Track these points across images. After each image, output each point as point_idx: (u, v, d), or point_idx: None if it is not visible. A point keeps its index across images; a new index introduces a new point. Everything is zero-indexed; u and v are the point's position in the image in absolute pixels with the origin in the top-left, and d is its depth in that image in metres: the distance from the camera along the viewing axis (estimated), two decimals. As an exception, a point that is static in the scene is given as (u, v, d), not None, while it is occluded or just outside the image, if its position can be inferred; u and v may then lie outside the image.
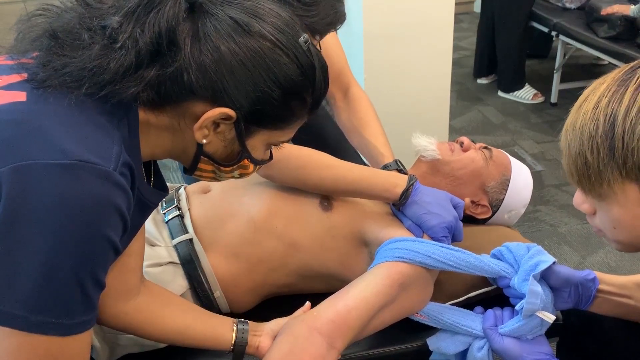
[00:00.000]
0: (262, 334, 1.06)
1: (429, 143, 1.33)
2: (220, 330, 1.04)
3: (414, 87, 2.37)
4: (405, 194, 1.21)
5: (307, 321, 1.01)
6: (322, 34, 1.18)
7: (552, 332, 1.19)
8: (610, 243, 0.85)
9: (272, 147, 0.88)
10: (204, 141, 0.78)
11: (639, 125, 0.71)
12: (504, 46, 3.62)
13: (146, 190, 0.81)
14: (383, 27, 2.21)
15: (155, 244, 1.18)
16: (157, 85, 0.73)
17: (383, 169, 1.34)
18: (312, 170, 1.22)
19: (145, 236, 1.17)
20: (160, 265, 1.15)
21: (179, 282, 1.15)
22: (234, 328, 1.04)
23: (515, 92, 3.67)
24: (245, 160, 0.83)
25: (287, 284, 1.24)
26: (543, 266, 1.06)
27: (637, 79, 0.73)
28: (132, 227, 0.83)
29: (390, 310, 1.09)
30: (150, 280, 1.10)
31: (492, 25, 3.68)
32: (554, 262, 1.07)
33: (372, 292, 1.05)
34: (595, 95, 0.76)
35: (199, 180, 1.36)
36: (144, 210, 0.84)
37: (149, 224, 1.21)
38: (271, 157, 0.90)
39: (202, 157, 0.81)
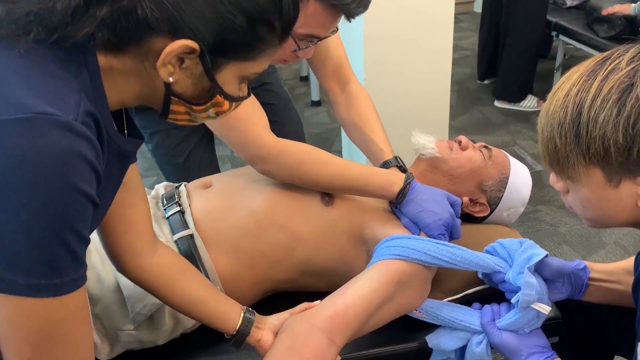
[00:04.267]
0: (264, 327, 1.07)
1: (428, 141, 1.33)
2: (230, 313, 1.06)
3: (414, 87, 2.36)
4: (402, 192, 1.22)
5: (307, 318, 1.03)
6: (355, 16, 1.15)
7: (552, 330, 1.20)
8: (582, 219, 0.92)
9: (247, 81, 0.83)
10: (171, 80, 0.73)
11: (601, 114, 0.77)
12: (514, 52, 3.44)
13: (120, 139, 0.78)
14: (383, 27, 2.21)
15: (156, 240, 1.19)
16: (112, 24, 0.69)
17: (383, 166, 1.34)
18: (310, 167, 1.22)
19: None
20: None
21: (178, 278, 1.16)
22: (241, 315, 1.06)
23: (521, 103, 3.55)
24: (218, 97, 0.78)
25: (288, 280, 1.25)
26: (536, 259, 1.08)
27: (605, 70, 0.78)
28: (114, 179, 0.81)
29: (389, 308, 1.10)
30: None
31: (497, 27, 3.55)
32: (546, 255, 1.10)
33: (370, 290, 1.06)
34: (568, 83, 0.82)
35: (197, 178, 1.37)
36: (122, 160, 0.82)
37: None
38: (249, 93, 0.85)
39: (172, 97, 0.77)
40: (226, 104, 0.81)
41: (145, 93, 0.77)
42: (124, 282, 1.10)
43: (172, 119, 0.81)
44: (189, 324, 1.18)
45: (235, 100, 0.81)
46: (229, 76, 0.77)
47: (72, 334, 0.70)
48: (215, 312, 1.05)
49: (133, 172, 0.95)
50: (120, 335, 1.11)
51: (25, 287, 0.64)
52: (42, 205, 0.62)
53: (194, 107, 0.79)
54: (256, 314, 1.09)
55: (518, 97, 3.56)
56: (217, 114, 0.82)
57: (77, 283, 0.69)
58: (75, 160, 0.64)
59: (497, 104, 3.62)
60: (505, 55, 3.51)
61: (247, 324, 1.05)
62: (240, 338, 1.05)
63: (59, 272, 0.66)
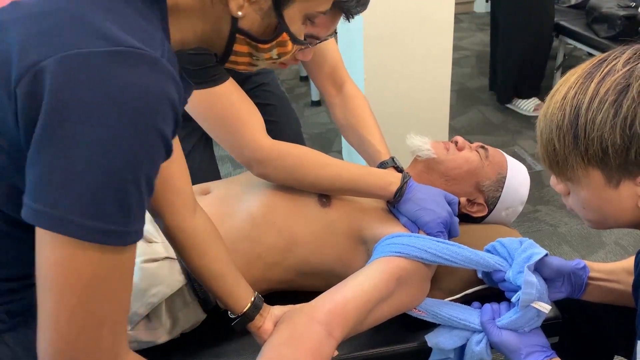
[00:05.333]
0: (266, 316, 1.08)
1: (423, 143, 1.34)
2: (242, 295, 1.07)
3: (414, 87, 2.36)
4: (400, 191, 1.22)
5: (306, 311, 1.04)
6: (354, 15, 1.15)
7: (552, 330, 1.20)
8: (583, 221, 0.93)
9: (309, 21, 0.82)
10: (240, 14, 0.72)
11: (599, 116, 0.77)
12: (525, 52, 3.30)
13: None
14: (383, 27, 2.21)
15: (152, 241, 1.18)
16: None
17: (380, 166, 1.35)
18: (309, 169, 1.22)
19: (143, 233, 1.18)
20: (156, 260, 1.15)
21: (175, 277, 1.15)
22: (252, 300, 1.07)
23: (531, 100, 3.44)
24: (285, 35, 0.77)
25: (285, 281, 1.25)
26: (536, 257, 1.08)
27: (602, 71, 0.79)
28: None
29: (389, 305, 1.10)
30: (146, 276, 1.11)
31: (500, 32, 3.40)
32: (546, 254, 1.10)
33: (370, 285, 1.06)
34: (565, 86, 0.83)
35: (197, 177, 1.37)
36: None
37: (146, 222, 1.21)
38: (305, 39, 0.84)
39: (237, 36, 0.75)
40: (290, 44, 0.80)
41: (209, 32, 0.76)
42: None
43: (232, 62, 0.80)
44: (187, 324, 1.18)
45: (299, 42, 0.81)
46: (296, 14, 0.77)
47: (119, 289, 0.67)
48: (230, 290, 1.06)
49: None
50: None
51: (93, 231, 0.60)
52: (125, 143, 0.59)
53: (259, 46, 0.77)
54: (264, 302, 1.10)
55: (529, 93, 3.44)
56: (280, 55, 0.81)
57: (139, 234, 0.66)
58: (161, 99, 0.62)
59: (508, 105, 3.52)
60: (510, 54, 3.37)
61: (254, 310, 1.07)
62: (243, 321, 1.07)
63: (129, 219, 0.63)
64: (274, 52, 0.80)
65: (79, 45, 0.59)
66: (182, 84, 0.69)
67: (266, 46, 0.78)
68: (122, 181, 0.60)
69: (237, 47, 0.77)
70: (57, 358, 0.65)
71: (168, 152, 0.66)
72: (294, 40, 0.80)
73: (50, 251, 0.61)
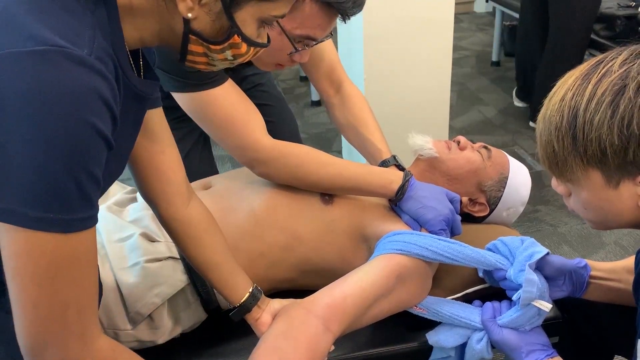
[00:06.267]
0: (265, 308, 1.09)
1: (425, 142, 1.34)
2: (239, 285, 1.08)
3: (414, 87, 2.36)
4: (402, 189, 1.23)
5: (304, 305, 1.04)
6: (350, 16, 1.15)
7: (552, 330, 1.20)
8: (586, 221, 0.93)
9: (267, 25, 0.84)
10: (190, 15, 0.74)
11: (596, 117, 0.78)
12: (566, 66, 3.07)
13: (136, 80, 0.79)
14: (383, 27, 2.21)
15: (155, 240, 1.18)
16: None
17: (382, 165, 1.35)
18: (311, 168, 1.23)
19: (145, 232, 1.18)
20: (159, 260, 1.15)
21: (178, 276, 1.16)
22: (249, 291, 1.08)
23: None
24: (236, 37, 0.79)
25: (288, 279, 1.25)
26: (538, 256, 1.08)
27: (599, 73, 0.80)
28: (132, 121, 0.82)
29: (388, 301, 1.10)
30: (148, 275, 1.11)
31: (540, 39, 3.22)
32: (547, 253, 1.10)
33: (369, 282, 1.07)
34: (563, 88, 0.84)
35: (196, 177, 1.37)
36: (139, 102, 0.83)
37: (148, 220, 1.22)
38: (268, 41, 0.86)
39: (191, 36, 0.78)
40: (244, 46, 0.81)
41: (165, 32, 0.78)
42: (123, 281, 1.10)
43: (191, 62, 0.82)
44: (188, 323, 1.18)
45: (252, 44, 0.82)
46: (248, 16, 0.78)
47: (80, 276, 0.71)
48: (227, 279, 1.07)
49: (159, 118, 0.97)
50: (120, 335, 1.11)
51: (34, 219, 0.64)
52: (56, 138, 0.63)
53: (211, 47, 0.79)
54: (263, 294, 1.10)
55: None
56: (235, 57, 0.83)
57: (86, 223, 0.69)
58: (89, 95, 0.65)
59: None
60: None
61: (251, 301, 1.07)
62: (241, 311, 1.07)
63: (69, 208, 0.66)
64: (228, 54, 0.81)
65: (5, 45, 0.62)
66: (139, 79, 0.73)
67: (218, 47, 0.80)
68: (57, 174, 0.64)
69: (192, 47, 0.79)
70: (31, 341, 0.70)
71: (108, 144, 0.69)
72: (248, 42, 0.81)
73: (7, 241, 0.66)
